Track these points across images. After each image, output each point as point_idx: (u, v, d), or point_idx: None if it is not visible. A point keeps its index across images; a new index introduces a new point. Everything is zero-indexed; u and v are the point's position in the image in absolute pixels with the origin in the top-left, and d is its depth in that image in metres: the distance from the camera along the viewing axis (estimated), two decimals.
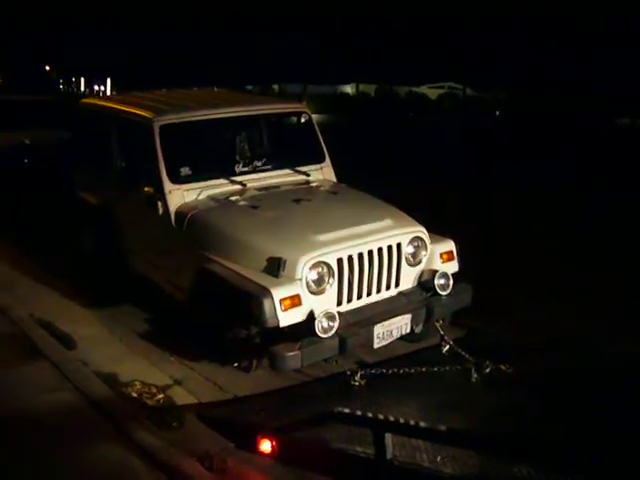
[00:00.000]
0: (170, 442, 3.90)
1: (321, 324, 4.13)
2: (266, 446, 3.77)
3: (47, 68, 45.39)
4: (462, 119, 24.48)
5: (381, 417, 3.37)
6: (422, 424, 3.18)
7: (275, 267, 4.27)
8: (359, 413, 3.49)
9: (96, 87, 41.76)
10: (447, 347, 4.77)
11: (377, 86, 37.44)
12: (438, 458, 3.32)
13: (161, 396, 4.55)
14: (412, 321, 4.66)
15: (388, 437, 3.26)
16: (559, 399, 4.00)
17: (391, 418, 3.33)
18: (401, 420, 3.29)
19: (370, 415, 3.42)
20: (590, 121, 19.30)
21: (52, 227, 8.05)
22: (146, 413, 4.28)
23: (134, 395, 4.56)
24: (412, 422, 3.22)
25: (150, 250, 5.57)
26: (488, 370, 4.45)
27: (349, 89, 38.63)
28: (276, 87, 36.85)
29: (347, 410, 3.51)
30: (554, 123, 19.64)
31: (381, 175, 5.87)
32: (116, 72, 37.50)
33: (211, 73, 29.30)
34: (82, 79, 45.10)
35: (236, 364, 4.67)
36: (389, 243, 4.65)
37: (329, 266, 4.36)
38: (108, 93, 34.07)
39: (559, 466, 3.08)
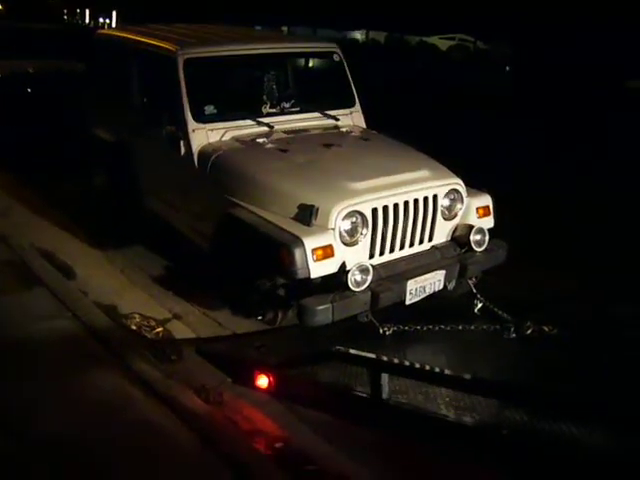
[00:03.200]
0: (168, 374, 3.95)
1: (354, 277, 3.95)
2: (263, 381, 3.82)
3: None
4: (469, 74, 24.01)
5: (378, 357, 3.39)
6: (418, 365, 3.22)
7: (307, 215, 4.05)
8: (355, 352, 3.51)
9: (101, 19, 40.91)
10: (479, 305, 4.61)
11: (387, 34, 36.73)
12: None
13: (160, 329, 4.59)
14: (445, 277, 4.44)
15: (384, 377, 3.31)
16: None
17: (387, 359, 3.35)
18: (398, 361, 3.32)
19: (367, 355, 3.45)
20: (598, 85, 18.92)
21: (55, 160, 7.95)
22: (145, 345, 4.32)
23: (133, 327, 4.60)
24: (408, 363, 3.26)
25: (169, 192, 5.39)
26: (529, 331, 4.28)
27: (359, 35, 37.88)
28: (285, 29, 36.13)
29: (344, 349, 3.53)
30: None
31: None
32: (122, 5, 36.65)
33: (219, 11, 28.66)
34: (87, 10, 44.15)
35: (260, 317, 4.45)
36: (425, 194, 4.43)
37: (363, 216, 4.16)
38: (114, 25, 33.37)
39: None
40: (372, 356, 3.44)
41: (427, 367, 3.48)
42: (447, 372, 3.45)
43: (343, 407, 3.61)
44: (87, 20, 43.95)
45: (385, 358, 3.41)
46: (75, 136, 7.08)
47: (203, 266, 5.06)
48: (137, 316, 4.72)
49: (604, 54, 22.22)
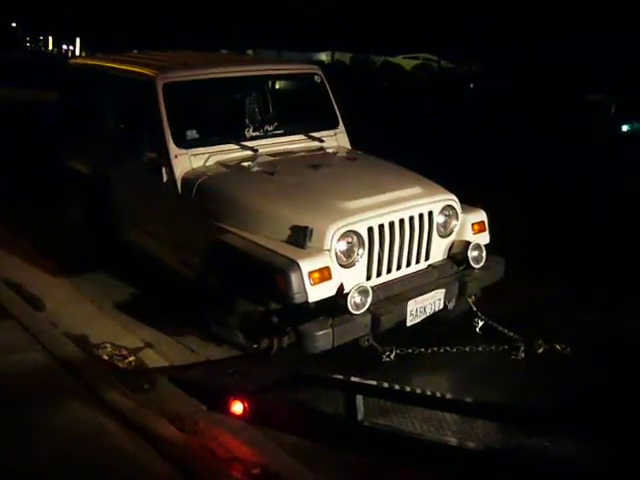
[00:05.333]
0: (142, 404, 3.91)
1: (354, 299, 3.82)
2: (238, 407, 3.79)
3: (14, 25, 44.05)
4: (432, 93, 24.39)
5: (352, 379, 3.39)
6: (394, 386, 3.23)
7: (301, 237, 3.91)
8: (329, 375, 3.51)
9: (64, 47, 40.72)
10: (481, 324, 4.51)
11: (352, 55, 37.10)
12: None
13: (132, 358, 4.54)
14: (445, 296, 4.35)
15: (359, 399, 3.31)
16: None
17: (361, 380, 3.35)
18: (371, 382, 3.33)
19: (340, 377, 3.45)
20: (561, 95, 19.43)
21: (27, 192, 7.82)
22: (117, 375, 4.26)
23: (105, 357, 4.54)
24: (384, 384, 3.27)
25: (152, 222, 5.25)
26: (541, 350, 4.17)
27: (324, 57, 38.20)
28: (250, 52, 36.32)
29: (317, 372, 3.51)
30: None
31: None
32: (85, 32, 36.55)
33: (184, 37, 28.71)
34: (50, 38, 43.93)
35: (255, 345, 4.14)
36: (420, 211, 4.34)
37: (359, 236, 4.05)
38: (77, 53, 33.26)
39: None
40: (345, 378, 3.44)
41: (405, 389, 3.48)
42: (425, 392, 3.45)
43: (319, 430, 3.60)
44: (50, 47, 43.71)
45: (352, 378, 3.39)
46: (48, 167, 6.97)
47: (181, 295, 5.01)
48: (108, 346, 4.66)
49: (569, 70, 22.78)
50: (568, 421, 3.05)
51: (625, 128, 15.46)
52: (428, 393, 3.25)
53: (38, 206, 7.44)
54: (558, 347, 4.18)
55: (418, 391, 3.19)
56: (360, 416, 3.35)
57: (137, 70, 5.24)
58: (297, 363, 4.06)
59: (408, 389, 3.15)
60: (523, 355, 4.16)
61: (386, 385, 3.28)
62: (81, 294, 5.60)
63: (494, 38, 26.18)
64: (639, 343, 4.26)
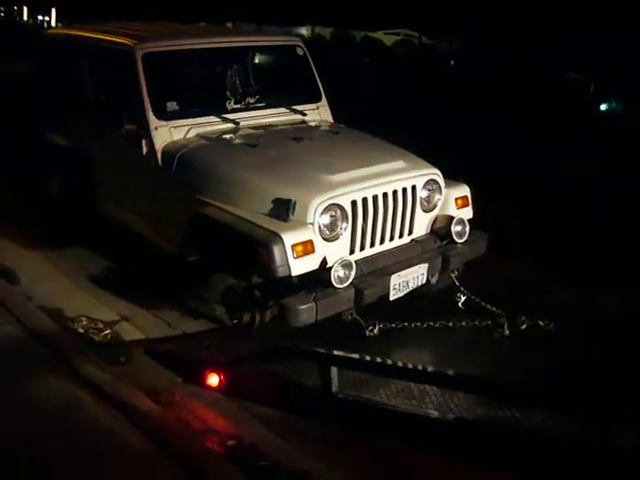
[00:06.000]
0: (118, 377, 3.91)
1: (337, 273, 3.80)
2: (213, 380, 3.82)
3: None
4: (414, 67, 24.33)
5: (325, 351, 3.42)
6: (367, 358, 3.26)
7: (283, 210, 3.87)
8: (304, 347, 3.54)
9: (40, 17, 39.86)
10: (463, 299, 4.53)
11: (333, 30, 36.81)
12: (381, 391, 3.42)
13: (108, 332, 4.53)
14: (428, 271, 4.34)
15: (333, 370, 3.35)
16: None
17: (334, 352, 3.38)
18: (345, 354, 3.36)
19: (315, 349, 3.48)
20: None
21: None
22: (93, 348, 4.26)
23: (80, 331, 4.52)
24: (357, 356, 3.30)
25: (131, 195, 5.17)
26: (524, 326, 4.19)
27: (304, 31, 37.86)
28: (229, 25, 35.86)
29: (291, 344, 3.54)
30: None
31: None
32: (61, 2, 35.76)
33: (163, 8, 28.21)
34: (25, 8, 42.95)
35: (236, 320, 4.10)
36: (404, 185, 4.33)
37: (343, 209, 4.03)
38: (53, 24, 32.60)
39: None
40: (319, 350, 3.47)
41: (378, 360, 3.53)
42: (398, 364, 3.50)
43: (294, 402, 3.64)
44: (25, 17, 42.76)
45: (326, 350, 3.42)
46: (23, 139, 6.86)
47: (158, 269, 5.00)
48: (84, 319, 4.64)
49: (547, 50, 22.80)
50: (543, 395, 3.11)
51: (603, 107, 15.54)
52: (400, 365, 3.29)
53: (13, 179, 7.33)
54: (541, 323, 4.20)
55: (390, 362, 3.23)
56: (334, 388, 3.39)
57: (116, 40, 5.16)
58: (275, 336, 4.05)
59: (380, 361, 3.18)
60: (507, 331, 4.20)
61: (359, 357, 3.31)
62: (57, 268, 5.57)
63: (474, 14, 26.08)
64: (619, 320, 4.32)
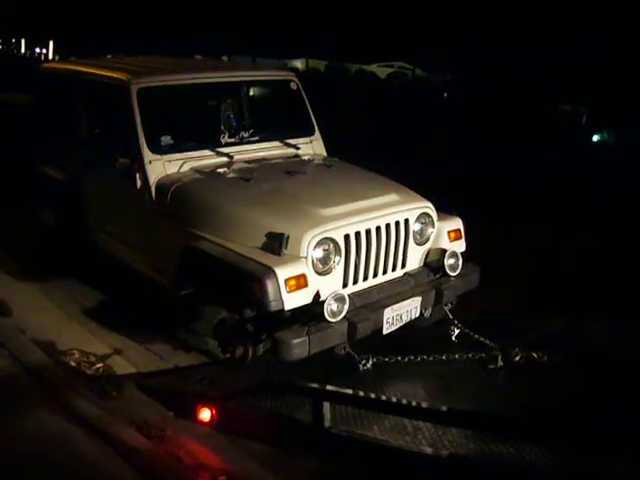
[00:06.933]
0: (109, 411, 3.89)
1: (330, 307, 3.79)
2: (205, 414, 3.79)
3: None
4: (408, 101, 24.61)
5: (317, 386, 3.40)
6: (360, 393, 3.25)
7: (277, 244, 3.88)
8: (297, 382, 3.53)
9: (37, 50, 40.26)
10: (457, 332, 4.52)
11: (327, 62, 37.26)
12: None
13: (100, 365, 4.49)
14: (422, 304, 4.35)
15: (326, 406, 3.33)
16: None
17: (326, 387, 3.36)
18: (338, 389, 3.35)
19: (307, 384, 3.46)
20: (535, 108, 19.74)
21: None
22: (85, 382, 4.23)
23: (72, 364, 4.49)
24: (349, 391, 3.29)
25: (125, 229, 5.18)
26: (518, 358, 4.16)
27: (299, 64, 38.31)
28: (225, 59, 36.29)
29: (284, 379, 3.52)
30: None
31: None
32: (59, 35, 36.20)
33: (159, 43, 28.58)
34: (22, 40, 43.40)
35: (229, 354, 4.11)
36: (396, 219, 4.35)
37: (336, 243, 4.02)
38: (50, 57, 32.92)
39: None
40: (311, 385, 3.46)
41: (371, 395, 3.51)
42: (390, 399, 3.48)
43: (287, 437, 3.61)
44: (22, 50, 43.18)
45: (318, 385, 3.41)
46: (19, 172, 6.88)
47: (151, 303, 4.98)
48: (76, 352, 4.61)
49: (539, 79, 23.12)
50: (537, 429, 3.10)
51: (596, 138, 15.72)
52: (393, 400, 3.28)
53: (7, 211, 7.34)
54: (535, 355, 4.19)
55: (383, 398, 3.22)
56: (327, 423, 3.37)
57: (111, 75, 5.20)
58: (268, 370, 4.04)
59: (374, 396, 3.17)
60: (501, 363, 4.18)
61: (352, 392, 3.30)
62: (50, 300, 5.54)
63: (468, 48, 26.50)
64: (609, 350, 4.33)
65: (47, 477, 3.28)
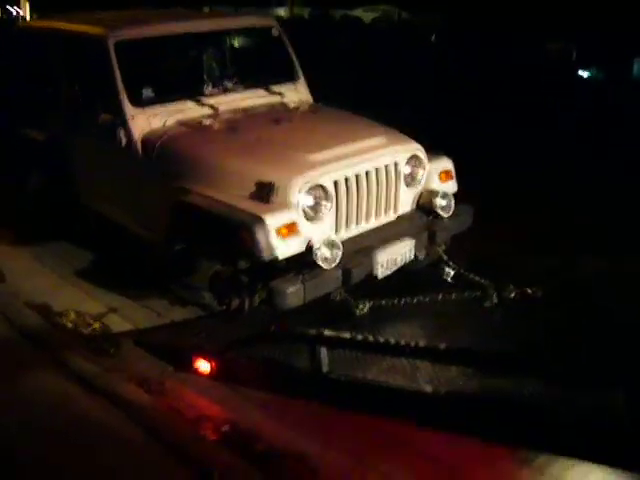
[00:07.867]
0: (108, 368, 3.90)
1: (323, 254, 3.78)
2: (204, 367, 3.80)
3: None
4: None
5: (312, 332, 3.40)
6: (356, 336, 3.25)
7: (265, 192, 3.87)
8: (292, 329, 3.53)
9: (13, 10, 39.27)
10: (452, 273, 4.51)
11: (310, 9, 36.50)
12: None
13: (97, 324, 4.49)
14: (415, 247, 4.32)
15: (323, 351, 3.34)
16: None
17: (321, 332, 3.36)
18: (334, 334, 3.35)
19: (303, 330, 3.46)
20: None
21: None
22: (82, 342, 4.23)
23: (69, 325, 4.49)
24: (346, 335, 3.29)
25: (112, 188, 5.08)
26: (512, 295, 4.20)
27: (282, 12, 37.53)
28: (207, 9, 35.48)
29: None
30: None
31: None
32: None
33: None
34: None
35: (225, 306, 4.10)
36: (386, 162, 4.29)
37: (325, 189, 3.98)
38: (27, 18, 32.13)
39: None
40: (306, 331, 3.46)
41: (368, 337, 3.51)
42: (386, 340, 3.48)
43: (286, 385, 3.63)
44: None
45: (315, 331, 3.40)
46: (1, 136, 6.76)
47: (144, 260, 4.95)
48: (72, 313, 4.60)
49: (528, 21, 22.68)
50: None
51: (585, 75, 15.49)
52: (389, 341, 3.28)
53: None
54: (529, 291, 4.20)
55: (381, 340, 3.22)
56: (325, 368, 3.38)
57: (87, 29, 5.08)
58: (265, 319, 4.03)
59: (369, 338, 3.18)
60: (496, 301, 4.20)
61: (348, 336, 3.30)
62: (41, 264, 5.50)
63: None
64: (602, 284, 4.36)
65: (50, 438, 3.28)
